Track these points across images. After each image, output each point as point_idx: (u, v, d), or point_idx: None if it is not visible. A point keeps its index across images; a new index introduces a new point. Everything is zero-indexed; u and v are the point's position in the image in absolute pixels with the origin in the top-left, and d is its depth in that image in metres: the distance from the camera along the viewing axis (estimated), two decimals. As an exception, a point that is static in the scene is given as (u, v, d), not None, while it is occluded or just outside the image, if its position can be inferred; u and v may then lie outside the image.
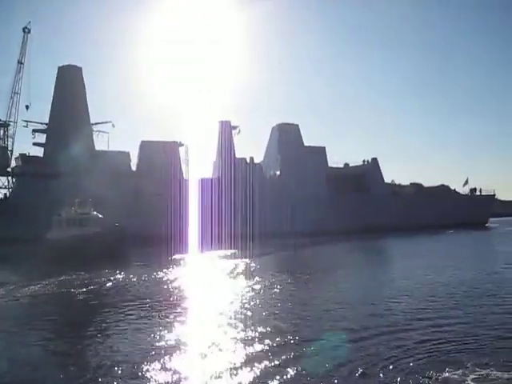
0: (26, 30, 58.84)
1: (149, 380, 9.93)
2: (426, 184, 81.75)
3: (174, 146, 62.09)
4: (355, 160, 76.52)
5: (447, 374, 9.60)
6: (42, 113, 63.35)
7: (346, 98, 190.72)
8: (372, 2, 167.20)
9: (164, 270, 27.75)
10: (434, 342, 11.97)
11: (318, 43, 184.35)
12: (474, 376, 9.48)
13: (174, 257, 36.00)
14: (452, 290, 19.44)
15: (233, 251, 40.00)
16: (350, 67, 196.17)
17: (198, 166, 71.55)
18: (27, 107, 58.16)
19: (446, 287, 20.23)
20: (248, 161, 67.11)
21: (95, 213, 38.71)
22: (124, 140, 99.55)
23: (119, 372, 10.47)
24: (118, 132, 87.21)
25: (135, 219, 48.67)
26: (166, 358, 11.15)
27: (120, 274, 26.53)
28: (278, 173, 68.36)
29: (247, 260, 33.30)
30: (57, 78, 61.47)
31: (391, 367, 10.23)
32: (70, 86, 60.43)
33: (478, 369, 9.84)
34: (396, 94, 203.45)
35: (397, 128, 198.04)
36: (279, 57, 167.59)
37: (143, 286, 23.08)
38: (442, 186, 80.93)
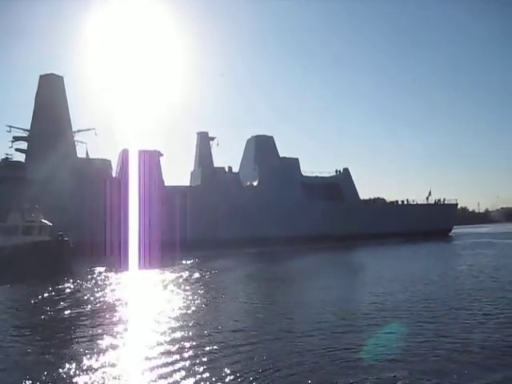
0: None
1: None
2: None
3: (154, 155, 63.19)
4: (323, 170, 79.80)
5: None
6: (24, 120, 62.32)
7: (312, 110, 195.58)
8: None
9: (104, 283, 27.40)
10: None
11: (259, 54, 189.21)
12: None
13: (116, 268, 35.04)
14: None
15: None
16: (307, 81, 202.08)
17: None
18: None
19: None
20: (226, 170, 69.68)
21: (44, 220, 37.50)
22: (102, 148, 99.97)
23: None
24: (98, 139, 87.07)
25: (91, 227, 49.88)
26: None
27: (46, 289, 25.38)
28: (256, 183, 70.68)
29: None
30: (38, 86, 61.81)
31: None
32: (51, 94, 60.86)
33: None
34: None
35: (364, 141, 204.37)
36: (221, 69, 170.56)
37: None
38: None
